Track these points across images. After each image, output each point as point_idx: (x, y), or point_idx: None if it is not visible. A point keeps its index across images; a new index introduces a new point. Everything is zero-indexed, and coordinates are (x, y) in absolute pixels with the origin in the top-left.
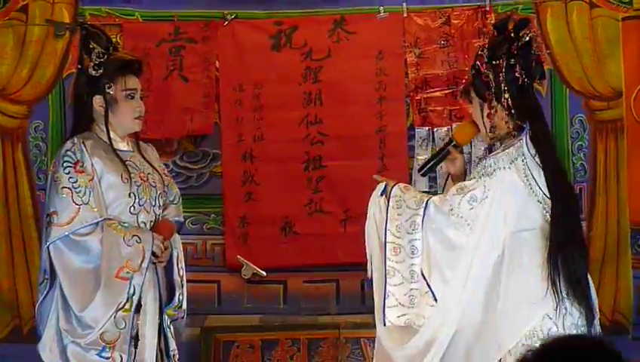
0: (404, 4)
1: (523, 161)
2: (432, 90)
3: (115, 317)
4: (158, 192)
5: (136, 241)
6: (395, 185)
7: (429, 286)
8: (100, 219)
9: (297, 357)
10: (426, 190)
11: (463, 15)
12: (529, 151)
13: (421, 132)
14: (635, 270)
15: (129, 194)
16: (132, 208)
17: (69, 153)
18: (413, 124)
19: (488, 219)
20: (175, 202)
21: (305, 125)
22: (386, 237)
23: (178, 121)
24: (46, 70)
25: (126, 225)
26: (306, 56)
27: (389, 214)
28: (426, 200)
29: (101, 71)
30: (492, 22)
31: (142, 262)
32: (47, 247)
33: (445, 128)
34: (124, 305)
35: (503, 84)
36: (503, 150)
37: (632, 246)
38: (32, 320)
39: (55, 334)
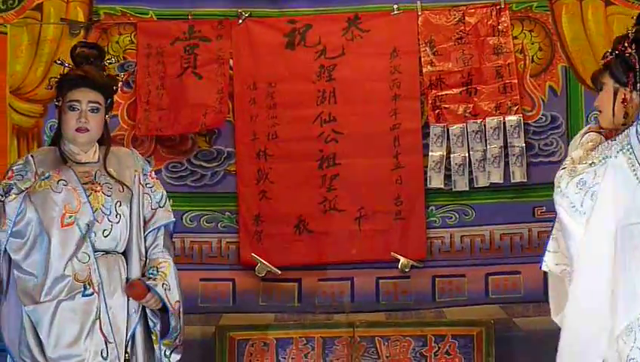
0: (419, 1)
1: (629, 149)
2: (446, 87)
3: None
4: (115, 201)
5: (63, 185)
6: (591, 131)
7: None
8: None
9: (312, 355)
10: (441, 186)
11: (477, 13)
12: (638, 139)
13: (436, 129)
14: None
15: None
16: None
17: (13, 167)
18: (428, 122)
19: (597, 208)
20: (162, 205)
21: (319, 123)
22: None
23: (192, 117)
24: (61, 69)
25: (47, 175)
26: (320, 54)
27: None
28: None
29: (55, 86)
30: (507, 19)
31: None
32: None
33: (460, 125)
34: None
35: None
36: (614, 138)
37: None
38: None
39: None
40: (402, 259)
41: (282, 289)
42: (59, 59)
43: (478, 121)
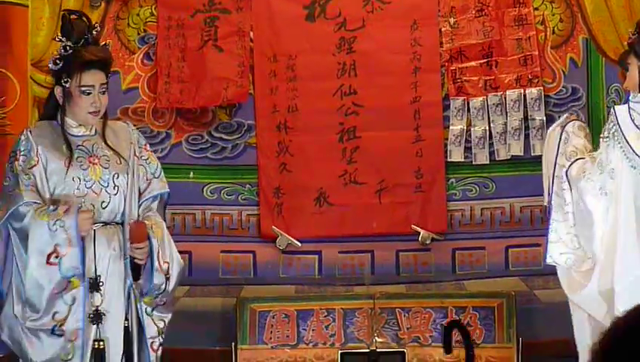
0: None
1: (614, 125)
2: (467, 60)
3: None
4: (112, 173)
5: (60, 226)
6: (574, 120)
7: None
8: (29, 201)
9: (332, 327)
10: (461, 160)
11: None
12: (632, 118)
13: (456, 102)
14: None
15: (72, 178)
16: (76, 190)
17: (20, 147)
18: (448, 95)
19: (615, 186)
20: (157, 175)
21: (339, 96)
22: (554, 170)
23: (213, 90)
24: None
25: (51, 208)
26: (340, 26)
27: (559, 148)
28: (573, 158)
29: (60, 65)
30: None
31: (69, 246)
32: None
33: (480, 98)
34: (65, 286)
35: None
36: None
37: None
38: None
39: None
40: (422, 232)
41: (303, 261)
42: (58, 37)
43: (499, 93)
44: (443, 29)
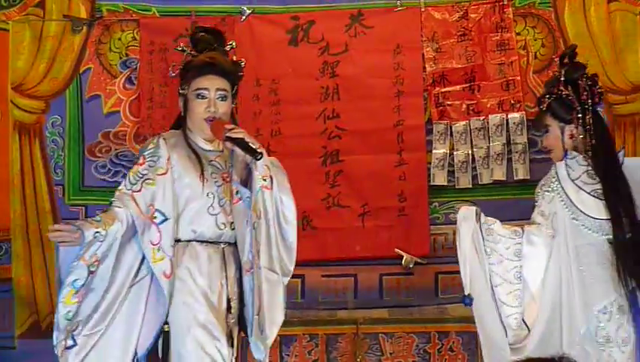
0: None
1: (556, 180)
2: (449, 84)
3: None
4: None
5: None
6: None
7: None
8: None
9: (315, 352)
10: (445, 183)
11: (480, 9)
12: (568, 173)
13: (439, 126)
14: None
15: (207, 194)
16: (210, 208)
17: (142, 147)
18: (431, 119)
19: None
20: None
21: (322, 120)
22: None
23: None
24: (63, 65)
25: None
26: (323, 50)
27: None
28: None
29: (177, 72)
30: (510, 15)
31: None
32: None
33: (463, 122)
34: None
35: (584, 104)
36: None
37: None
38: (50, 316)
39: None
40: (405, 256)
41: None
42: (180, 46)
43: (481, 117)
44: (426, 54)
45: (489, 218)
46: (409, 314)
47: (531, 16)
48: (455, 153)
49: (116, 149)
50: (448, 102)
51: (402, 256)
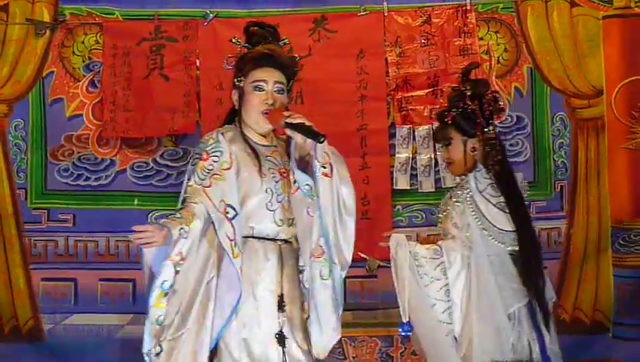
0: (385, 2)
1: (468, 191)
2: (412, 88)
3: None
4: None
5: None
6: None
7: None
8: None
9: None
10: (408, 187)
11: (443, 14)
12: (476, 185)
13: (402, 130)
14: (616, 268)
15: (265, 190)
16: (269, 204)
17: (201, 143)
18: (394, 123)
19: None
20: None
21: None
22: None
23: (159, 120)
24: (26, 69)
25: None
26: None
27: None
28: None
29: (232, 65)
30: (472, 20)
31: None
32: None
33: (426, 126)
34: None
35: (488, 119)
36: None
37: (612, 244)
38: (13, 320)
39: None
40: (369, 259)
41: None
42: (234, 38)
43: None
44: (389, 58)
45: (411, 242)
46: (372, 317)
47: (494, 21)
48: (418, 157)
49: (79, 153)
50: (411, 107)
51: (366, 260)
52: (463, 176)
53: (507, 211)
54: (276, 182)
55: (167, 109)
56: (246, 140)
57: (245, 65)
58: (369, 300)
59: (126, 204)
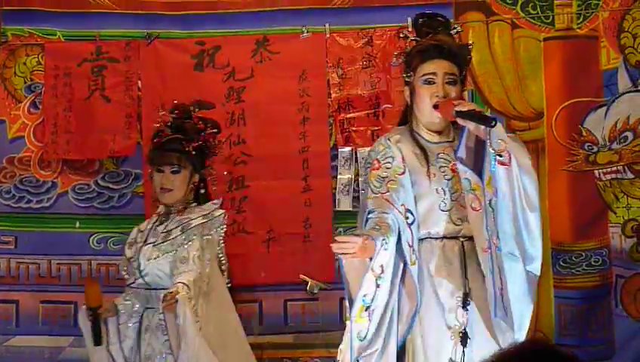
0: (327, 24)
1: None
2: (354, 110)
3: None
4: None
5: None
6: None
7: None
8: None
9: None
10: (350, 209)
11: (385, 35)
12: None
13: (344, 152)
14: (557, 290)
15: (435, 190)
16: (442, 204)
17: (372, 152)
18: (337, 144)
19: None
20: None
21: (228, 145)
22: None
23: (101, 142)
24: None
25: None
26: (229, 76)
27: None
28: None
29: (402, 59)
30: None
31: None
32: None
33: (368, 148)
34: None
35: None
36: None
37: (553, 266)
38: None
39: None
40: (310, 281)
41: None
42: (402, 33)
43: None
44: (331, 80)
45: None
46: (314, 339)
47: None
48: (360, 179)
49: (21, 175)
50: (353, 128)
51: (307, 282)
52: None
53: None
54: (448, 180)
55: (108, 131)
56: (415, 139)
57: (413, 60)
58: (311, 322)
59: (68, 227)
